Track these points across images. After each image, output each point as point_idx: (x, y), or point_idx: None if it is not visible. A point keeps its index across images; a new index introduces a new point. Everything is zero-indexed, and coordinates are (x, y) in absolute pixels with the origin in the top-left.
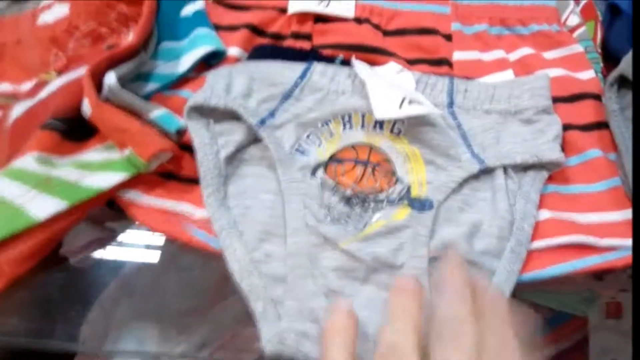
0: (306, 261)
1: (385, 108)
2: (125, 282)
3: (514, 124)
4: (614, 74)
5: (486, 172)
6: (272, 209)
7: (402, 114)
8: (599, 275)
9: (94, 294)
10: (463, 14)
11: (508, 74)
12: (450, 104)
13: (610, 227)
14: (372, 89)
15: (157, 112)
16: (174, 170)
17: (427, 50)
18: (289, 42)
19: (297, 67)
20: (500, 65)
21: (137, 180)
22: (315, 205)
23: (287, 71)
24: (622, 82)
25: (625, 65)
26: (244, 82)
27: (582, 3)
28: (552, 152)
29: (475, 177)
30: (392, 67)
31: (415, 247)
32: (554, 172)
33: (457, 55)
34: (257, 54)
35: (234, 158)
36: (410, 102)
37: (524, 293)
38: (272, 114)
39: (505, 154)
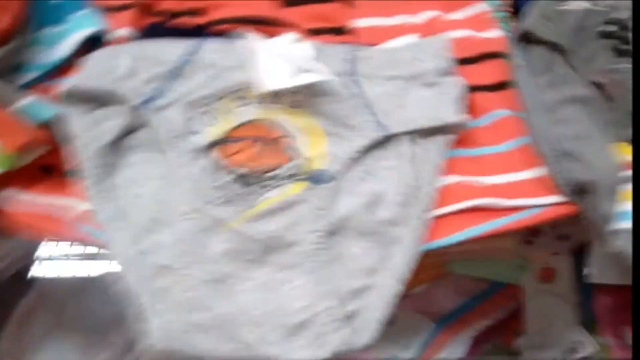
0: (193, 247)
1: (275, 78)
2: (42, 293)
3: (418, 88)
4: (519, 29)
5: (391, 139)
6: (160, 195)
7: (293, 84)
8: (529, 239)
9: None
10: None
11: (412, 38)
12: (352, 71)
13: (518, 186)
14: (260, 60)
15: (25, 101)
16: (54, 163)
17: (328, 18)
18: (183, 20)
19: (186, 44)
20: (404, 29)
21: (13, 176)
22: (205, 188)
23: (175, 49)
24: (527, 38)
25: (530, 20)
26: (127, 63)
27: None
28: (454, 114)
29: (380, 145)
30: (287, 38)
31: (312, 222)
32: (462, 135)
33: (360, 22)
34: (149, 33)
35: (121, 145)
36: (303, 71)
37: (455, 266)
38: (159, 93)
39: (409, 120)
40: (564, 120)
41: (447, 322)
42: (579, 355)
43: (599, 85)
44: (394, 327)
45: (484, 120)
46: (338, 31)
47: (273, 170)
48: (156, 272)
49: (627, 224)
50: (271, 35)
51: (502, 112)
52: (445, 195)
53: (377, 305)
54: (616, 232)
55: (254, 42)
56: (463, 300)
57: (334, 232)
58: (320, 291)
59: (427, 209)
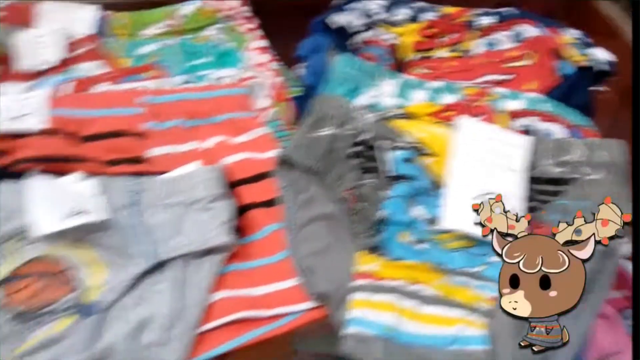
0: None
1: (46, 222)
2: None
3: (195, 213)
4: (278, 157)
5: (165, 264)
6: None
7: (63, 227)
8: None
9: None
10: (157, 112)
11: (193, 167)
12: (136, 202)
13: (281, 295)
14: (36, 203)
15: None
16: None
17: (125, 150)
18: None
19: None
20: (191, 156)
21: None
22: None
23: None
24: (287, 163)
25: (287, 149)
26: None
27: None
28: (221, 237)
29: (156, 270)
30: (72, 178)
31: (74, 356)
32: (239, 250)
33: (153, 152)
34: None
35: None
36: (78, 211)
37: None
38: None
39: (182, 245)
40: (306, 239)
41: None
42: None
43: (345, 201)
44: None
45: (259, 235)
46: (134, 161)
47: (50, 304)
48: None
49: (353, 329)
50: (71, 171)
51: (275, 226)
52: (213, 310)
53: None
54: (344, 337)
55: (35, 184)
56: None
57: None
58: None
59: (192, 327)
